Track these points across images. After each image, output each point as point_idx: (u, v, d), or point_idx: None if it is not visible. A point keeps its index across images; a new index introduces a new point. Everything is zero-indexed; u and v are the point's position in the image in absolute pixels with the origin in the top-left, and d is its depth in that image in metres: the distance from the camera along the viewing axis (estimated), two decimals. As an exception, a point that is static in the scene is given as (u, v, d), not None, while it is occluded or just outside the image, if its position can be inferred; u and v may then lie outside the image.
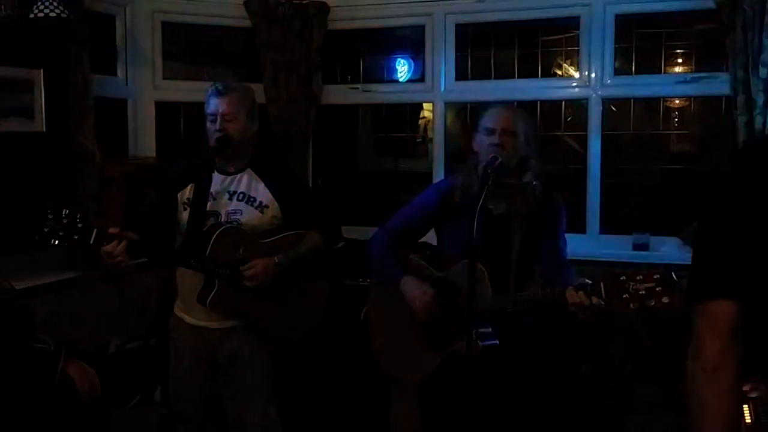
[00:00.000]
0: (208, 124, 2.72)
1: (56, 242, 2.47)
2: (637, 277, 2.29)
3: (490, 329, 2.56)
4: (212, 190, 2.71)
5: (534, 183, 2.64)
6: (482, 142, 2.62)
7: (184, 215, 2.72)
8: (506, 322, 2.59)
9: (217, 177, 2.75)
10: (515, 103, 4.16)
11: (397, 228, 2.85)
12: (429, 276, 2.71)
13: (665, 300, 2.26)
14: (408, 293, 2.67)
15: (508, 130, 2.59)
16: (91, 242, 2.49)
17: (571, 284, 2.41)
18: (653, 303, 2.27)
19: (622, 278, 2.30)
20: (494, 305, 2.51)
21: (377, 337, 2.87)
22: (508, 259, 2.62)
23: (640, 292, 2.28)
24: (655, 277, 2.27)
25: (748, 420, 1.93)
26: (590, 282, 2.38)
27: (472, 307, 2.32)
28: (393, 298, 2.72)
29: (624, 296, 2.29)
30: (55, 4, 3.22)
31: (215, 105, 2.70)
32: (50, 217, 2.45)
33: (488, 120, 2.64)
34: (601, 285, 2.33)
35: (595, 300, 2.34)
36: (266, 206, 2.79)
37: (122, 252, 2.50)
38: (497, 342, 2.56)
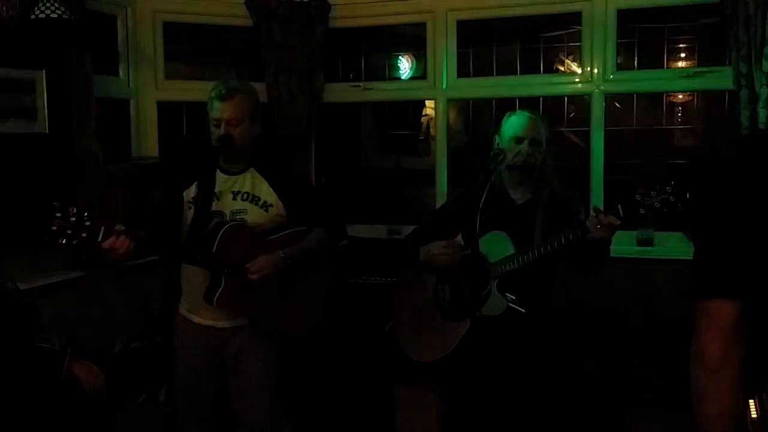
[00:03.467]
0: (212, 128, 2.71)
1: (64, 241, 2.42)
2: (651, 193, 2.38)
3: (515, 297, 2.66)
4: (216, 190, 2.71)
5: (552, 176, 2.81)
6: (509, 148, 2.73)
7: (190, 214, 2.72)
8: (534, 303, 2.68)
9: (220, 177, 2.75)
10: (517, 100, 4.17)
11: (425, 233, 2.95)
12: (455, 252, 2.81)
13: (681, 207, 2.37)
14: (430, 254, 2.79)
15: (537, 138, 2.73)
16: (100, 240, 2.46)
17: None
18: (669, 213, 2.38)
19: (637, 197, 2.40)
20: (518, 258, 2.63)
21: (403, 330, 2.95)
22: (532, 245, 2.68)
23: (656, 205, 2.38)
24: (667, 189, 2.36)
25: (754, 415, 1.92)
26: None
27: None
28: (417, 289, 2.88)
29: (641, 211, 2.40)
30: (56, 5, 3.21)
31: (219, 110, 2.68)
32: (58, 215, 2.43)
33: (516, 128, 2.75)
34: (618, 206, 2.44)
35: (611, 218, 2.43)
36: (270, 205, 2.79)
37: (123, 243, 2.46)
38: (523, 310, 2.64)
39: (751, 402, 1.66)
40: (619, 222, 2.44)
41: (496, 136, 2.83)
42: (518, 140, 2.73)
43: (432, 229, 2.95)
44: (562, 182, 2.87)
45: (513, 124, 2.77)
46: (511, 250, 2.67)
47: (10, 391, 2.50)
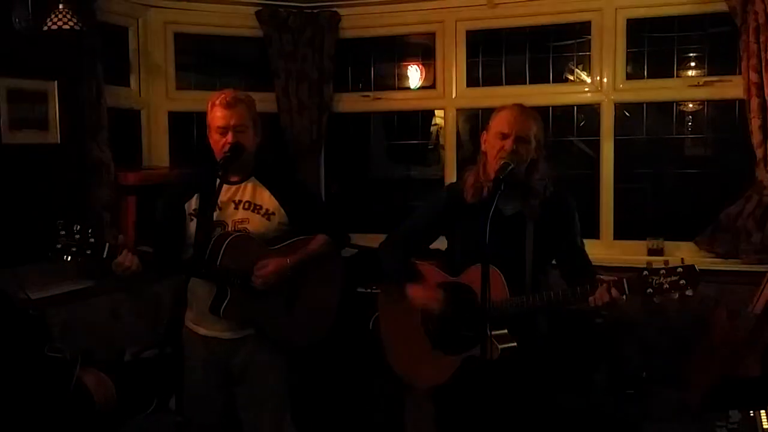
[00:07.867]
0: (216, 136, 2.70)
1: (69, 258, 2.47)
2: (660, 271, 2.28)
3: (506, 331, 2.54)
4: (218, 200, 2.71)
5: (544, 183, 2.60)
6: (494, 144, 2.56)
7: (192, 226, 2.72)
8: (523, 324, 2.57)
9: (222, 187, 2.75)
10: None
11: (406, 232, 2.83)
12: (443, 281, 2.69)
13: (689, 293, 2.26)
14: (416, 299, 2.67)
15: (523, 136, 2.53)
16: (104, 256, 2.50)
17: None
18: (677, 296, 2.27)
19: (644, 273, 2.30)
20: (513, 307, 2.49)
21: (390, 344, 2.86)
22: (523, 260, 2.59)
23: (664, 286, 2.27)
24: (678, 270, 2.27)
25: (765, 426, 1.91)
26: (613, 278, 2.37)
27: (488, 311, 2.31)
28: (404, 303, 2.71)
29: (648, 291, 2.29)
30: (68, 16, 3.24)
31: (225, 117, 2.68)
32: (62, 233, 2.47)
33: (503, 123, 2.57)
34: (624, 281, 2.33)
35: (615, 293, 2.33)
36: (272, 213, 2.79)
37: (130, 260, 2.51)
38: (515, 344, 2.53)
39: (763, 413, 1.65)
40: (624, 299, 2.34)
41: (485, 133, 2.63)
42: (503, 136, 2.53)
43: (414, 235, 2.82)
44: (557, 186, 2.66)
45: (499, 117, 2.59)
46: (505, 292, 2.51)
47: (21, 399, 2.52)
